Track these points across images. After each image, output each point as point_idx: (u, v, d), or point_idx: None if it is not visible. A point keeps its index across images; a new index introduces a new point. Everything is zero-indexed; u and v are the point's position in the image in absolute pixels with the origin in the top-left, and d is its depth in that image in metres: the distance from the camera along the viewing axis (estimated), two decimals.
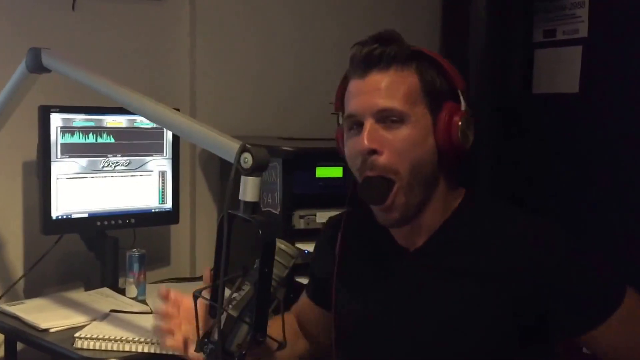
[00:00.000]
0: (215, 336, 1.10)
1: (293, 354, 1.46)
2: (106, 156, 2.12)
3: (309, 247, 2.02)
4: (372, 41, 1.23)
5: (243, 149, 1.12)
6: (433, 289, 1.25)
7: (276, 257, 1.12)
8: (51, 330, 1.81)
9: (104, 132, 2.10)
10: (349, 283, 1.37)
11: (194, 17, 2.46)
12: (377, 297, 1.32)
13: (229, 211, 1.09)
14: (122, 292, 2.14)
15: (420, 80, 1.22)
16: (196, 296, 1.14)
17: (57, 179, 2.02)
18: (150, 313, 1.96)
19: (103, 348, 1.70)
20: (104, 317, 1.88)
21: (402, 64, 1.22)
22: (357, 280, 1.36)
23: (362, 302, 1.34)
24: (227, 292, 1.16)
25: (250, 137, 2.39)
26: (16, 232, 2.19)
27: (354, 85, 1.25)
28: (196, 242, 2.52)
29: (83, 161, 2.07)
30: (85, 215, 2.10)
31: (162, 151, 2.23)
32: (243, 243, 1.19)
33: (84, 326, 1.81)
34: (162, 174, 2.25)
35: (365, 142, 1.20)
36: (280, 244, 1.15)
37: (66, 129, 2.03)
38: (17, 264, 2.20)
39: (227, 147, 1.17)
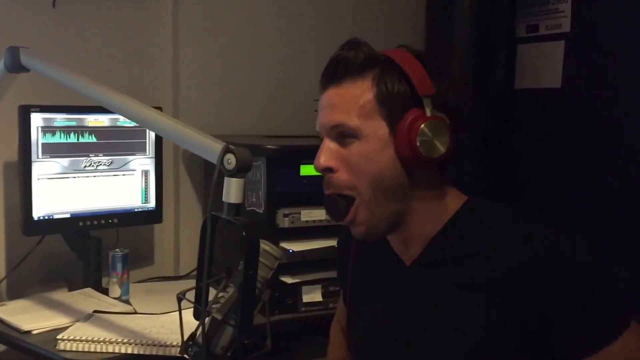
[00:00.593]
0: (200, 339, 1.09)
1: None
2: (88, 156, 2.10)
3: (293, 247, 2.02)
4: (338, 51, 1.21)
5: (226, 150, 1.11)
6: (430, 301, 1.22)
7: (260, 259, 1.12)
8: (34, 332, 1.79)
9: (85, 132, 2.09)
10: (359, 294, 1.38)
11: (177, 14, 2.44)
12: (380, 309, 1.32)
13: (212, 213, 1.08)
14: (105, 292, 2.13)
15: (376, 90, 1.16)
16: (180, 298, 1.14)
17: (39, 179, 2.00)
18: (134, 313, 1.95)
19: (86, 350, 1.69)
20: (87, 318, 1.87)
21: (357, 75, 1.17)
22: (364, 292, 1.37)
23: (367, 313, 1.35)
24: (211, 292, 1.16)
25: (233, 135, 2.39)
26: None
27: (319, 100, 1.23)
28: (180, 241, 2.51)
29: (65, 161, 2.05)
30: (68, 215, 2.08)
31: (145, 150, 2.22)
32: (226, 244, 1.18)
33: (67, 327, 1.79)
34: (145, 173, 2.23)
35: (320, 160, 1.20)
36: (265, 246, 1.15)
37: (47, 129, 2.01)
38: None
39: (209, 148, 1.17)
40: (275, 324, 1.93)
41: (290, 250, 2.00)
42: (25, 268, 2.14)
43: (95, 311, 1.91)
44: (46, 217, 2.04)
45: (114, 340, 1.70)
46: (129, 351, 1.69)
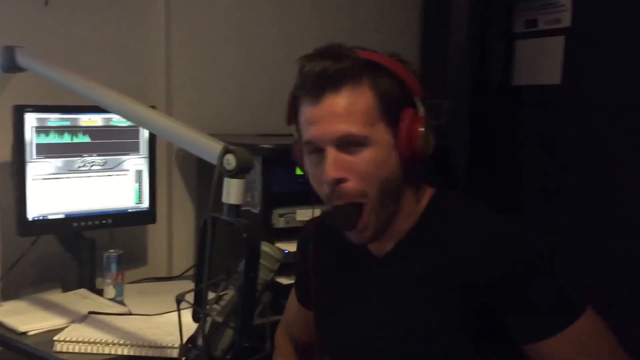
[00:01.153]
0: (200, 341, 1.09)
1: None
2: (82, 156, 2.09)
3: (289, 247, 2.00)
4: (320, 58, 1.18)
5: (226, 151, 1.11)
6: (398, 295, 1.24)
7: (261, 261, 1.11)
8: (30, 333, 1.78)
9: (79, 132, 2.07)
10: (326, 290, 1.38)
11: (169, 12, 2.42)
12: (350, 304, 1.32)
13: (212, 214, 1.07)
14: (99, 292, 2.12)
15: (376, 96, 1.17)
16: (179, 300, 1.13)
17: (33, 179, 1.99)
18: (129, 314, 1.94)
19: (83, 351, 1.68)
20: (82, 319, 1.86)
21: (355, 81, 1.16)
22: (332, 289, 1.37)
23: (338, 310, 1.35)
24: (209, 294, 1.15)
25: (228, 134, 2.37)
26: None
27: (309, 111, 1.20)
28: (173, 242, 2.50)
29: (59, 161, 2.04)
30: (62, 216, 2.07)
31: (138, 150, 2.21)
32: (225, 245, 1.18)
33: (62, 328, 1.79)
34: (139, 173, 2.22)
35: (330, 173, 1.16)
36: (265, 247, 1.14)
37: (41, 129, 1.99)
38: None
39: (208, 148, 1.16)
40: (270, 325, 1.92)
41: (286, 251, 1.99)
42: (19, 269, 2.12)
43: (91, 312, 1.91)
44: (40, 218, 2.03)
45: (110, 341, 1.69)
46: (126, 353, 1.68)
